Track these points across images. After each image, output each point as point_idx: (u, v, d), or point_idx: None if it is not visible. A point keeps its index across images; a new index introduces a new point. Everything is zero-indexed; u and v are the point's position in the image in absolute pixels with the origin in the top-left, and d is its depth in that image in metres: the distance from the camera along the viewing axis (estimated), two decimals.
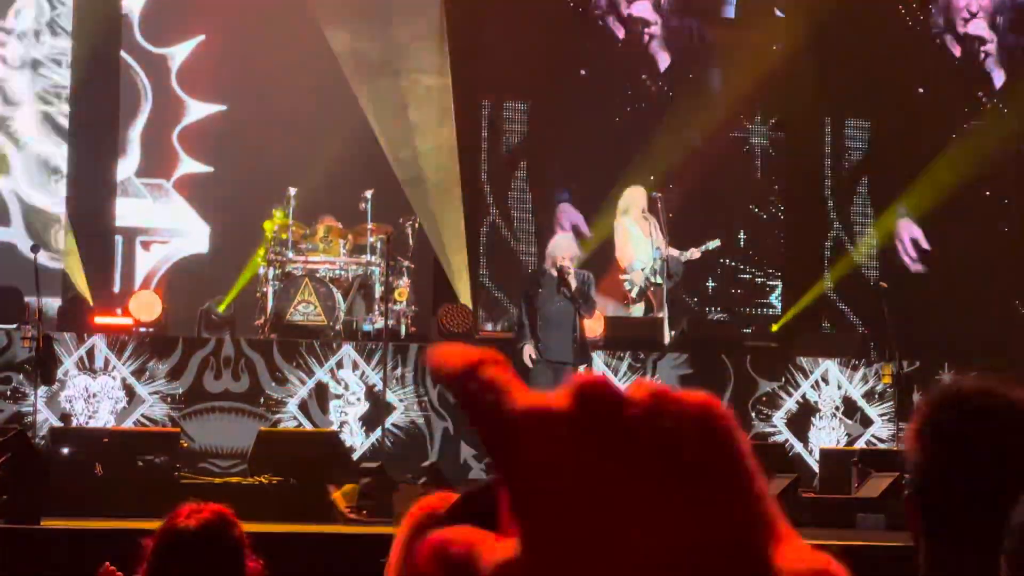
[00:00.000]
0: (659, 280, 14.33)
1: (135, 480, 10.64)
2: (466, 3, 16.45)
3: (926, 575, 2.15)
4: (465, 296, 15.58)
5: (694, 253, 14.58)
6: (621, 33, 16.80)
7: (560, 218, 16.39)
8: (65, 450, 10.90)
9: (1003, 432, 2.15)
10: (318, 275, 13.93)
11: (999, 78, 17.22)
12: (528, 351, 12.23)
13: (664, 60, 16.86)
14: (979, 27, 17.23)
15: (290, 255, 14.05)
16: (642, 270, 14.39)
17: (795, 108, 17.08)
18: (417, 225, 14.89)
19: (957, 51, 17.21)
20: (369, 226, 14.20)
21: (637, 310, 14.53)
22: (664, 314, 14.15)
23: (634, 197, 14.65)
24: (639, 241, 14.48)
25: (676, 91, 16.83)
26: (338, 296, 13.80)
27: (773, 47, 16.85)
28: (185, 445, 12.14)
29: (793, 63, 16.78)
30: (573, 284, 12.12)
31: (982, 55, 17.21)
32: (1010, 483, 2.15)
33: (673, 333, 14.08)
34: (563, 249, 12.28)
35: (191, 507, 3.87)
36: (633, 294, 14.47)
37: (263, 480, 10.55)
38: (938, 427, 2.14)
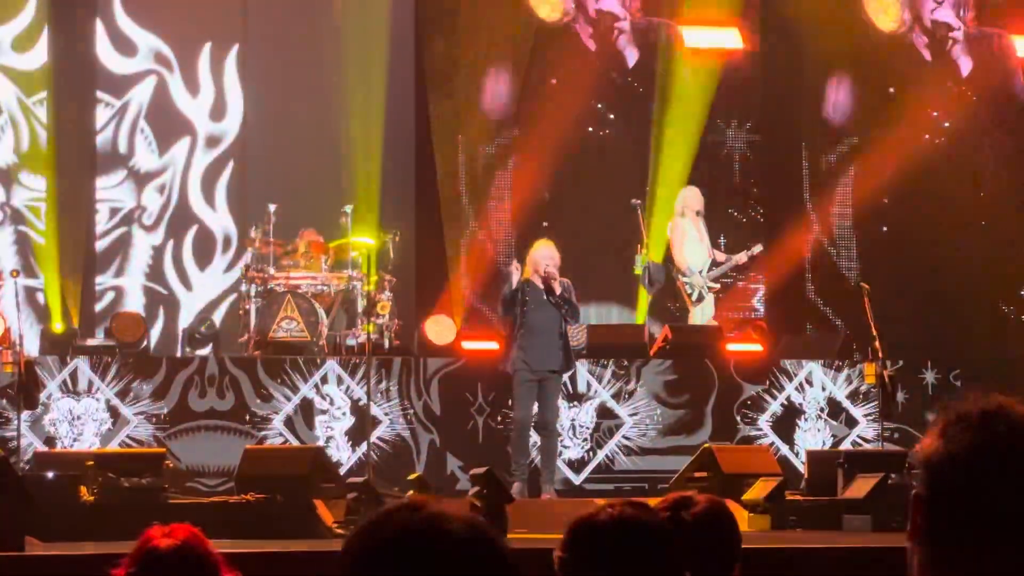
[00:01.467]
0: (714, 284, 14.52)
1: (122, 502, 10.62)
2: (440, 15, 16.48)
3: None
4: (446, 308, 15.59)
5: (741, 257, 14.67)
6: (589, 32, 16.78)
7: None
8: (50, 474, 10.87)
9: None
10: (300, 291, 13.93)
11: (966, 66, 17.25)
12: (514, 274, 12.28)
13: (632, 56, 16.85)
14: (947, 15, 17.27)
15: (272, 272, 14.04)
16: (699, 272, 14.48)
17: (771, 109, 17.12)
18: (398, 239, 14.89)
19: (924, 41, 17.23)
20: (350, 240, 14.22)
21: (697, 312, 14.56)
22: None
23: (689, 198, 14.71)
24: (695, 243, 14.55)
25: (647, 90, 16.83)
26: (321, 312, 13.79)
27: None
28: (171, 465, 12.11)
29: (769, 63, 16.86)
30: (558, 290, 12.14)
31: (950, 43, 17.24)
32: None
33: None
34: (545, 256, 12.31)
35: (161, 529, 3.87)
36: (694, 297, 14.53)
37: (250, 498, 10.53)
38: (970, 433, 2.12)
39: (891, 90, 17.11)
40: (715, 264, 14.56)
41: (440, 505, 1.90)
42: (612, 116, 16.87)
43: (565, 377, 12.90)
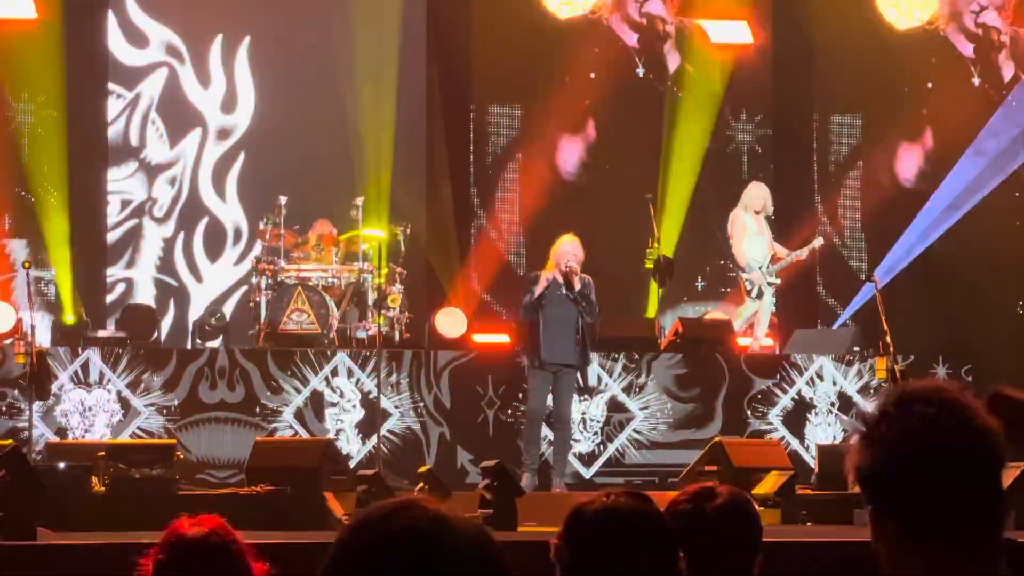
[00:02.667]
0: (775, 279, 14.55)
1: (132, 493, 10.63)
2: (452, 8, 16.48)
3: None
4: (457, 302, 15.60)
5: (802, 253, 14.68)
6: (631, 37, 16.82)
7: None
8: (62, 465, 10.88)
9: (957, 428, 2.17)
10: (311, 283, 13.93)
11: (1008, 71, 17.21)
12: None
13: (674, 61, 16.90)
14: (992, 18, 17.22)
15: (282, 264, 14.05)
16: (759, 269, 14.49)
17: (783, 105, 17.11)
18: (409, 231, 14.90)
19: (967, 48, 17.20)
20: (360, 233, 14.22)
21: (751, 307, 14.58)
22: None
23: (754, 193, 14.72)
24: (755, 238, 14.57)
25: (660, 84, 16.86)
26: (331, 304, 13.80)
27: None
28: (182, 456, 12.12)
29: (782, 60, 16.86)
30: (577, 286, 12.13)
31: (997, 47, 17.18)
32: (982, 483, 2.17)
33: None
34: (569, 251, 12.30)
35: (188, 519, 3.88)
36: (753, 293, 14.54)
37: (260, 490, 10.54)
38: (898, 433, 2.17)
39: (928, 85, 17.06)
40: (774, 260, 14.58)
41: (440, 507, 1.87)
42: (623, 110, 16.86)
43: (578, 375, 12.90)
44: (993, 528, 2.18)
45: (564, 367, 12.17)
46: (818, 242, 14.93)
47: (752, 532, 3.66)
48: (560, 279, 12.15)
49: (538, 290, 12.11)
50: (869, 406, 2.25)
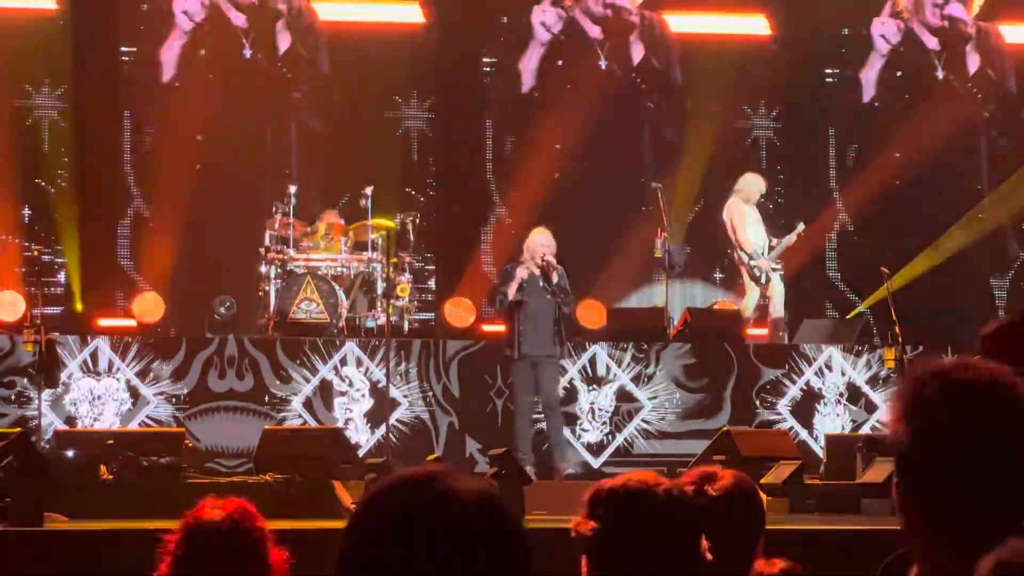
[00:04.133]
0: (778, 265, 14.60)
1: (141, 481, 10.65)
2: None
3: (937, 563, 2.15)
4: (466, 291, 15.60)
5: (791, 239, 14.69)
6: (596, 30, 16.82)
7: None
8: (70, 453, 10.91)
9: (994, 409, 2.14)
10: (320, 272, 13.94)
11: (974, 64, 17.17)
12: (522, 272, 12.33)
13: (638, 53, 16.88)
14: (957, 10, 17.18)
15: (292, 253, 14.06)
16: (763, 254, 14.52)
17: (796, 96, 17.11)
18: (418, 221, 14.89)
19: (932, 41, 17.15)
20: (370, 222, 14.23)
21: (754, 295, 14.60)
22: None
23: (754, 184, 14.74)
24: (755, 226, 14.60)
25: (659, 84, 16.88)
26: (340, 293, 13.80)
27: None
28: (190, 445, 12.14)
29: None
30: (555, 278, 12.24)
31: (962, 39, 17.14)
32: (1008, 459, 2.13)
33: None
34: (542, 245, 12.44)
35: (213, 501, 3.87)
36: (762, 280, 14.56)
37: (268, 478, 10.56)
38: (929, 408, 2.13)
39: (898, 73, 17.07)
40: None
41: (451, 477, 1.86)
42: (640, 103, 16.86)
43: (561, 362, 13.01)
44: None
45: (545, 356, 12.35)
46: (800, 227, 14.90)
47: (755, 515, 3.67)
48: (537, 272, 12.29)
49: (511, 293, 12.25)
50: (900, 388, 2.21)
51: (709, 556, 3.12)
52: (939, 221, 16.71)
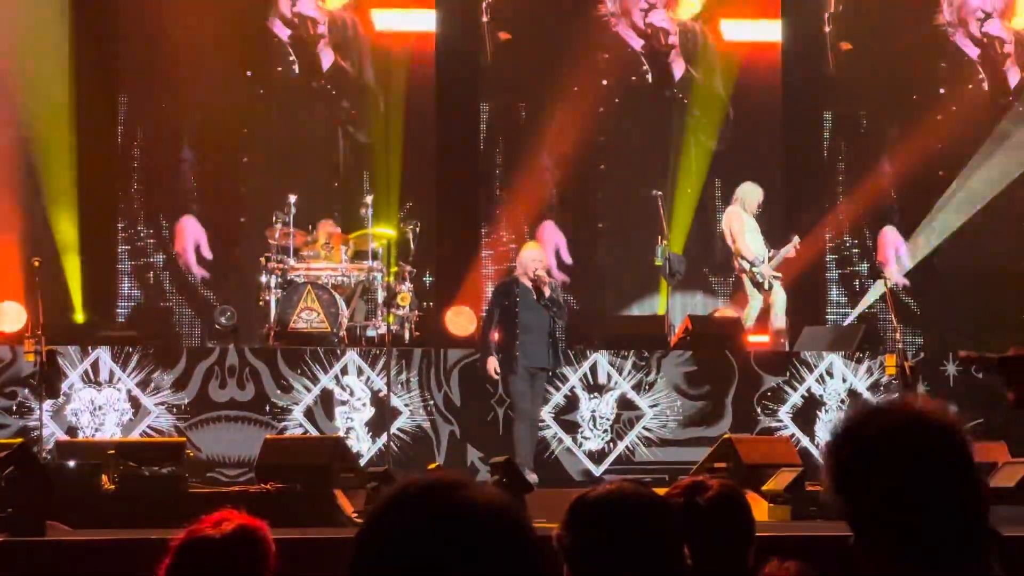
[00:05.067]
0: (778, 274, 14.61)
1: (142, 491, 10.64)
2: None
3: None
4: (467, 299, 15.60)
5: (789, 250, 14.69)
6: (637, 43, 16.87)
7: (540, 235, 16.38)
8: (71, 463, 10.90)
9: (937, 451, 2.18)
10: (320, 282, 13.94)
11: (1014, 77, 17.19)
12: (492, 364, 12.55)
13: (679, 69, 16.94)
14: (996, 27, 17.23)
15: (292, 262, 14.06)
16: (764, 262, 14.53)
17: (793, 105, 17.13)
18: (419, 229, 14.91)
19: (974, 52, 17.19)
20: (370, 231, 14.23)
21: (756, 303, 14.61)
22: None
23: (751, 192, 14.75)
24: (755, 235, 14.62)
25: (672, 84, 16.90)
26: (341, 302, 13.80)
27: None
28: (192, 455, 12.13)
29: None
30: (547, 292, 12.38)
31: (1001, 56, 17.18)
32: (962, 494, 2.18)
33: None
34: (534, 260, 12.58)
35: (220, 515, 3.80)
36: (765, 286, 14.56)
37: (270, 487, 10.55)
38: (872, 465, 2.18)
39: (941, 91, 17.10)
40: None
41: (467, 487, 1.84)
42: (632, 109, 16.87)
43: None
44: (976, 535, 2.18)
45: (540, 370, 12.54)
46: (796, 240, 14.89)
47: (744, 522, 3.67)
48: (529, 285, 12.41)
49: (490, 342, 12.34)
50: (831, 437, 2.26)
51: (690, 563, 3.12)
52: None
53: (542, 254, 12.89)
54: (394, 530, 1.80)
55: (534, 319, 12.50)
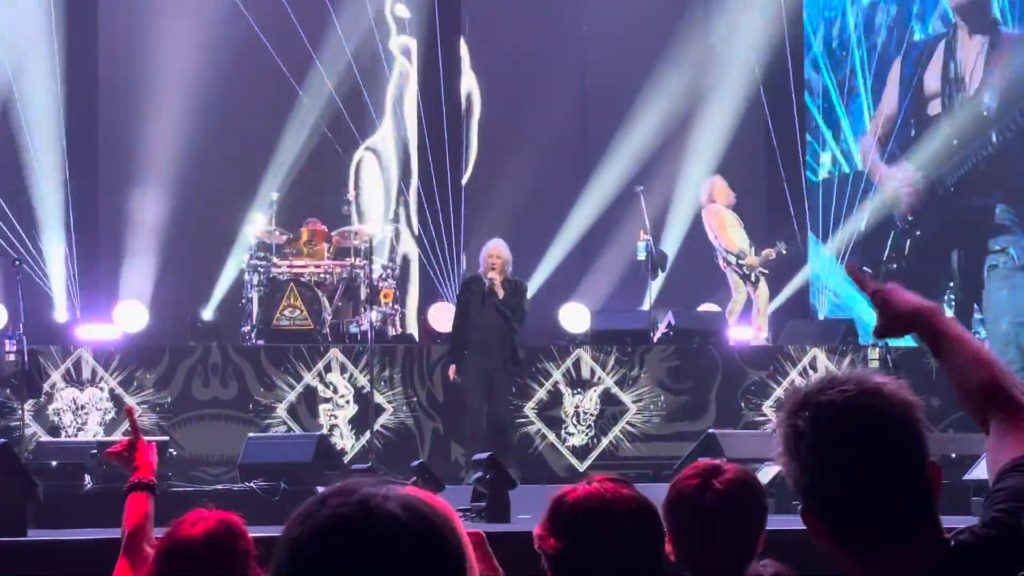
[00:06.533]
0: (764, 270, 14.59)
1: (125, 491, 10.59)
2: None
3: None
4: (450, 296, 15.58)
5: (771, 253, 14.62)
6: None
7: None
8: (53, 463, 10.87)
9: (888, 433, 2.18)
10: (303, 279, 13.91)
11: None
12: (451, 371, 12.45)
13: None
14: None
15: (274, 260, 14.03)
16: (748, 256, 14.50)
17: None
18: (401, 226, 14.89)
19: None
20: (353, 229, 14.21)
21: (740, 298, 14.58)
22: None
23: (718, 185, 14.72)
24: (737, 228, 14.58)
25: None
26: (324, 300, 13.78)
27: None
28: (175, 453, 12.11)
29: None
30: (500, 294, 12.28)
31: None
32: (903, 483, 2.18)
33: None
34: (490, 255, 12.50)
35: (197, 514, 3.80)
36: (751, 279, 14.53)
37: (253, 486, 10.53)
38: (822, 434, 2.18)
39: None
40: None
41: (373, 486, 1.81)
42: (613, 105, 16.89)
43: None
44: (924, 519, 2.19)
45: (493, 369, 12.42)
46: (782, 245, 14.86)
47: (760, 507, 3.67)
48: (486, 284, 12.32)
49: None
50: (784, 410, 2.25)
51: (673, 557, 3.11)
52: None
53: (500, 251, 12.59)
54: (302, 535, 1.77)
55: (487, 318, 12.39)
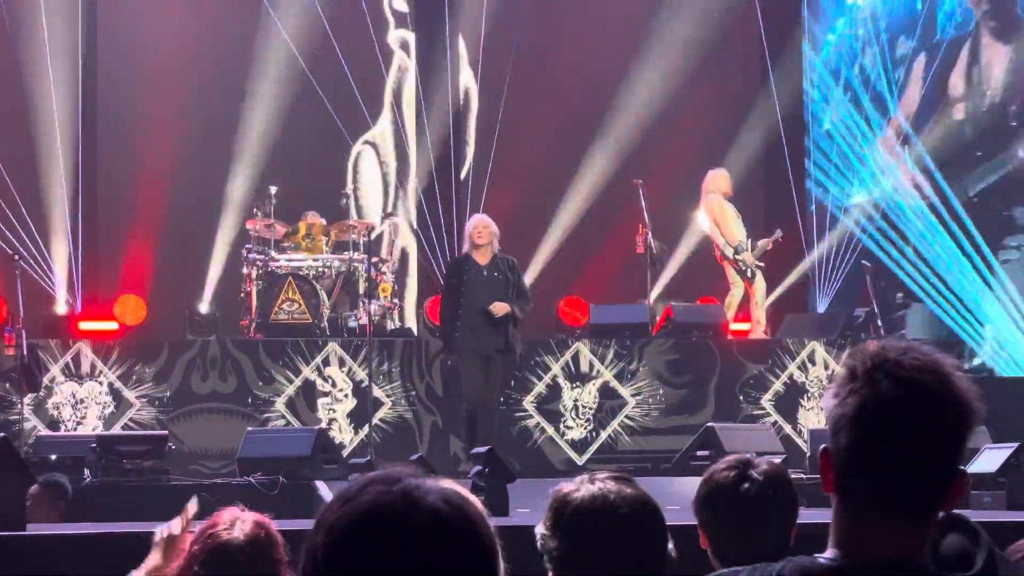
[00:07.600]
0: (760, 263, 14.56)
1: (125, 484, 10.63)
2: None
3: (836, 529, 2.20)
4: None
5: (767, 244, 14.59)
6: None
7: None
8: (53, 456, 10.88)
9: (937, 409, 2.19)
10: (301, 273, 13.91)
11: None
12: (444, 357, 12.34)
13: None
14: None
15: (273, 254, 14.03)
16: (747, 250, 14.47)
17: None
18: (400, 220, 14.90)
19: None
20: (351, 222, 14.21)
21: (738, 292, 14.56)
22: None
23: (720, 178, 14.69)
24: (737, 221, 14.56)
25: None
26: (322, 293, 13.78)
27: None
28: (174, 447, 12.11)
29: None
30: (500, 313, 12.01)
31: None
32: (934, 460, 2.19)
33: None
34: (475, 227, 12.27)
35: (233, 515, 3.79)
36: (748, 274, 14.51)
37: (252, 479, 10.54)
38: (872, 393, 2.18)
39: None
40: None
41: (416, 476, 1.82)
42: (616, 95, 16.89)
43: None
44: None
45: (494, 352, 12.11)
46: (778, 233, 14.85)
47: (793, 499, 3.70)
48: (479, 262, 12.11)
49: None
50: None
51: (675, 555, 3.12)
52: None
53: (487, 221, 12.33)
54: (343, 522, 1.77)
55: (480, 298, 12.11)
